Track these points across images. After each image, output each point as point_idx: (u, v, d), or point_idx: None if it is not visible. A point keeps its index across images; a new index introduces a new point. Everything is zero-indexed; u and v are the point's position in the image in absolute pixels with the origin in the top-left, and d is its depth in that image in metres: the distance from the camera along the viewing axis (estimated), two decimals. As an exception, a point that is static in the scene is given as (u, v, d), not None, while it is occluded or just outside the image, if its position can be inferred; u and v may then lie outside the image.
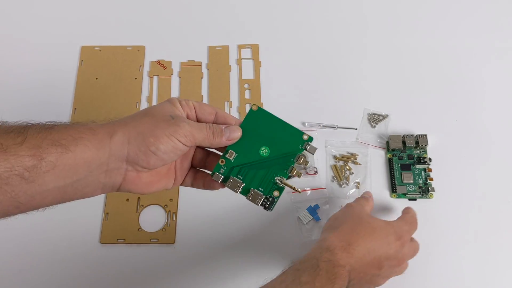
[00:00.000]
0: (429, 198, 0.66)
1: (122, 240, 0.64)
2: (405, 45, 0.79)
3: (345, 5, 0.83)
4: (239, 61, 0.77)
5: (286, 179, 0.46)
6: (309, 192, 0.66)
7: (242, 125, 0.47)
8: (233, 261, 0.62)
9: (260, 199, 0.46)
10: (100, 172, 0.40)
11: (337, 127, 0.71)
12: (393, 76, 0.76)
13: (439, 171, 0.68)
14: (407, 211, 0.59)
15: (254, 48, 0.78)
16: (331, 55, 0.78)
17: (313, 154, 0.48)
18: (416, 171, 0.67)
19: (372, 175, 0.67)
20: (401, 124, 0.71)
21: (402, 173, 0.67)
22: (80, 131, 0.39)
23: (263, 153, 0.47)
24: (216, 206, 0.66)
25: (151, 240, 0.64)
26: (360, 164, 0.68)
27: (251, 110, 0.47)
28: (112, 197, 0.66)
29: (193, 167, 0.49)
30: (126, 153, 0.40)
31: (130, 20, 0.81)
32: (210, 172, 0.47)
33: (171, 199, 0.66)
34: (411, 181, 0.67)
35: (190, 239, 0.64)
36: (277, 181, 0.46)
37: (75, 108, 0.73)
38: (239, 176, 0.46)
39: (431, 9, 0.82)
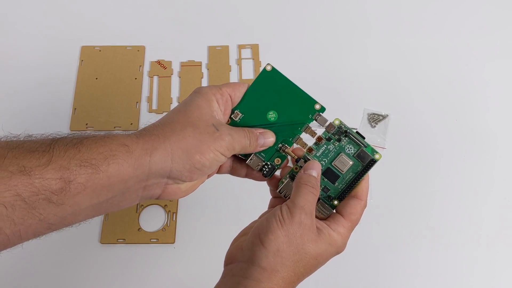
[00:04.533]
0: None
1: (122, 240, 0.64)
2: (405, 45, 0.79)
3: (345, 5, 0.83)
4: (239, 61, 0.77)
5: (289, 148, 0.44)
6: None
7: (253, 85, 0.44)
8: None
9: (260, 166, 0.44)
10: (138, 188, 0.38)
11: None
12: (393, 76, 0.76)
13: (440, 171, 0.68)
14: (355, 210, 0.42)
15: (254, 48, 0.78)
16: (331, 55, 0.78)
17: (323, 126, 0.44)
18: None
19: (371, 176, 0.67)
20: (401, 124, 0.71)
21: None
22: (112, 148, 0.36)
23: (271, 118, 0.44)
24: (216, 206, 0.66)
25: (151, 240, 0.64)
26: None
27: (264, 70, 0.44)
28: (112, 197, 0.66)
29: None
30: (169, 171, 0.38)
31: (130, 20, 0.81)
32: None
33: (171, 199, 0.66)
34: None
35: (190, 239, 0.64)
36: (280, 148, 0.44)
37: (75, 108, 0.73)
38: None
39: (432, 9, 0.82)
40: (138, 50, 0.78)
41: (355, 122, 0.71)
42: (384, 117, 0.72)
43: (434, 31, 0.80)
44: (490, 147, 0.70)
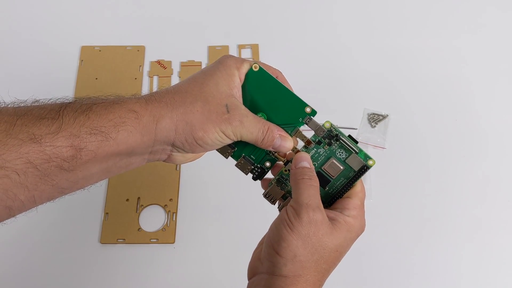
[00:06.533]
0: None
1: (122, 240, 0.64)
2: (405, 45, 0.78)
3: (345, 5, 0.83)
4: (239, 61, 0.77)
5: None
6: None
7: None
8: (233, 261, 0.62)
9: (249, 169, 0.43)
10: (145, 153, 0.39)
11: (337, 127, 0.71)
12: (393, 76, 0.76)
13: (440, 171, 0.68)
14: (359, 188, 0.42)
15: (254, 48, 0.78)
16: (331, 55, 0.78)
17: (314, 130, 0.42)
18: None
19: (372, 176, 0.68)
20: (401, 124, 0.71)
21: None
22: (121, 115, 0.36)
23: None
24: (216, 206, 0.66)
25: (151, 240, 0.64)
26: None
27: (251, 70, 0.41)
28: (112, 197, 0.66)
29: None
30: (172, 140, 0.38)
31: (130, 20, 0.81)
32: None
33: (171, 199, 0.66)
34: None
35: (190, 239, 0.64)
36: (270, 152, 0.42)
37: (75, 108, 0.73)
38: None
39: (431, 9, 0.82)
40: (138, 50, 0.78)
41: (355, 122, 0.71)
42: (384, 117, 0.72)
43: (435, 31, 0.80)
44: (490, 146, 0.70)
